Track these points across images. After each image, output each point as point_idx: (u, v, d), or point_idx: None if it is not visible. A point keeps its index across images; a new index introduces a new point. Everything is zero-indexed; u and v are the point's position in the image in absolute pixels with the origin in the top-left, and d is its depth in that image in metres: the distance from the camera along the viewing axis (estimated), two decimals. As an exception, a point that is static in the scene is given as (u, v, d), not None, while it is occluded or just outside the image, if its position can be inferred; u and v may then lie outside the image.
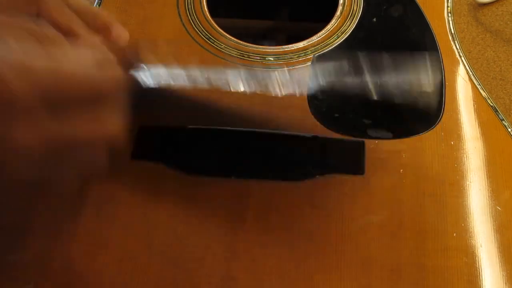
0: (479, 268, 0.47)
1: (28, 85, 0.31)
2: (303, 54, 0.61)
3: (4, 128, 0.31)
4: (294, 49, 0.62)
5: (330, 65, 0.60)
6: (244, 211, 0.50)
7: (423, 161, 0.53)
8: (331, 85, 0.58)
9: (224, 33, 0.63)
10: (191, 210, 0.50)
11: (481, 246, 0.48)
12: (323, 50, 0.61)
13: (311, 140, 0.53)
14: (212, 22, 0.64)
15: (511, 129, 0.55)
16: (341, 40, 0.62)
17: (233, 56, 0.61)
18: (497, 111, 0.57)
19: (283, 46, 0.62)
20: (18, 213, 0.44)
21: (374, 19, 0.64)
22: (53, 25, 0.37)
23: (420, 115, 0.56)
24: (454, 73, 0.60)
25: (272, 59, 0.61)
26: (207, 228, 0.49)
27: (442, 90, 0.58)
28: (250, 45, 0.62)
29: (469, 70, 0.60)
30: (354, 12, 0.65)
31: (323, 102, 0.57)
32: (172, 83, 0.50)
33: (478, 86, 0.58)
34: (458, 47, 0.62)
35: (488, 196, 0.51)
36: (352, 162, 0.53)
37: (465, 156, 0.53)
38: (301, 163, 0.52)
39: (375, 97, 0.57)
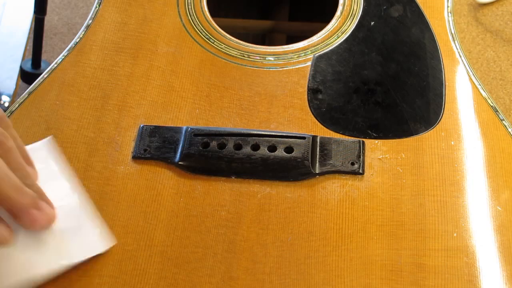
0: (479, 268, 0.47)
1: None
2: (303, 54, 0.61)
3: None
4: (294, 49, 0.62)
5: (330, 65, 0.60)
6: (244, 211, 0.50)
7: (423, 161, 0.53)
8: (331, 84, 0.58)
9: (224, 33, 0.63)
10: (191, 210, 0.50)
11: (481, 246, 0.48)
12: (323, 50, 0.61)
13: (311, 140, 0.53)
14: (212, 22, 0.64)
15: (511, 129, 0.55)
16: (341, 40, 0.62)
17: (233, 56, 0.61)
18: (497, 111, 0.57)
19: (283, 46, 0.62)
20: None
21: (374, 19, 0.64)
22: None
23: (420, 115, 0.56)
24: (454, 73, 0.60)
25: (272, 59, 0.61)
26: (207, 228, 0.49)
27: (442, 90, 0.58)
28: (250, 45, 0.62)
29: (469, 70, 0.60)
30: (354, 12, 0.65)
31: (323, 102, 0.57)
32: None
33: (478, 86, 0.58)
34: (458, 47, 0.62)
35: (488, 196, 0.51)
36: (352, 162, 0.53)
37: (465, 156, 0.53)
38: (301, 163, 0.52)
39: (375, 97, 0.57)
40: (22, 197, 0.43)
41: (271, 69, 0.60)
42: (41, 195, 0.46)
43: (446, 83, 0.58)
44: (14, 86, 0.99)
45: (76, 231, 0.48)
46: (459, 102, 0.57)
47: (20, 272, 0.46)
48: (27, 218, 0.44)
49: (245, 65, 0.60)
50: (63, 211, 0.48)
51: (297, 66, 0.60)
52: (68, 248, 0.47)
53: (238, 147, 0.53)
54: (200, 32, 0.63)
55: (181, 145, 0.54)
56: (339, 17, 0.64)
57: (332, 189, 0.51)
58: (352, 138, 0.54)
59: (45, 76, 0.59)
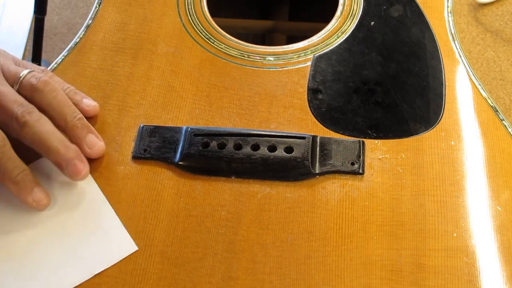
0: (479, 268, 0.47)
1: None
2: (303, 54, 0.61)
3: None
4: (294, 49, 0.62)
5: (330, 65, 0.60)
6: (244, 211, 0.50)
7: (423, 161, 0.53)
8: (331, 84, 0.58)
9: (224, 33, 0.63)
10: (191, 210, 0.50)
11: (481, 246, 0.48)
12: (323, 50, 0.61)
13: (311, 140, 0.53)
14: (212, 22, 0.64)
15: (511, 129, 0.55)
16: (341, 40, 0.62)
17: (233, 56, 0.61)
18: (497, 111, 0.57)
19: (283, 46, 0.62)
20: None
21: (374, 19, 0.64)
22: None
23: (420, 115, 0.56)
24: (454, 73, 0.60)
25: (272, 59, 0.61)
26: (207, 228, 0.49)
27: (442, 90, 0.58)
28: (250, 45, 0.62)
29: (469, 70, 0.60)
30: (354, 12, 0.65)
31: (323, 102, 0.57)
32: None
33: (478, 86, 0.58)
34: (458, 47, 0.62)
35: (488, 196, 0.51)
36: (352, 162, 0.53)
37: (465, 156, 0.53)
38: (301, 163, 0.52)
39: (375, 97, 0.57)
40: (68, 150, 0.50)
41: (271, 69, 0.60)
42: (88, 129, 0.53)
43: (446, 83, 0.58)
44: (14, 86, 0.98)
45: (103, 235, 0.49)
46: (459, 102, 0.57)
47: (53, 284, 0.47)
48: (72, 169, 0.50)
49: (245, 65, 0.60)
50: (90, 215, 0.50)
51: (297, 66, 0.60)
52: (96, 255, 0.48)
53: (238, 147, 0.53)
54: (200, 32, 0.63)
55: (181, 145, 0.54)
56: (339, 17, 0.64)
57: (332, 189, 0.51)
58: (352, 138, 0.54)
59: (45, 76, 0.59)
